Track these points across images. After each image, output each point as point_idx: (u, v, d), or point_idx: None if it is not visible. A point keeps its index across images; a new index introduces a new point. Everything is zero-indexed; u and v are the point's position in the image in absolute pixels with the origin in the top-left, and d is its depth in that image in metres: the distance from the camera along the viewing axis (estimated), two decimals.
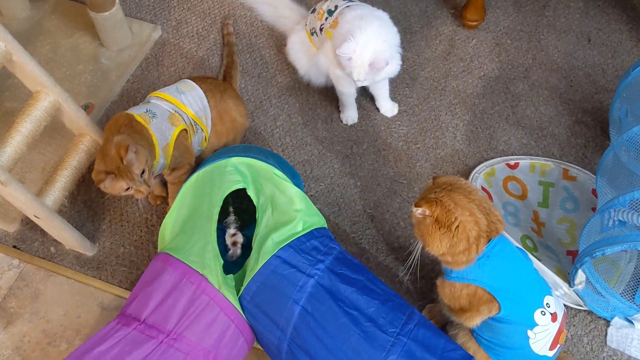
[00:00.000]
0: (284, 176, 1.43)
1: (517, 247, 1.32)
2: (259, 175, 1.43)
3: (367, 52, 1.56)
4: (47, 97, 1.50)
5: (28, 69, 1.46)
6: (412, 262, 1.34)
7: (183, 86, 1.62)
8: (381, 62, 1.55)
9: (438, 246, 1.23)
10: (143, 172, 1.43)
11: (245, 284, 1.33)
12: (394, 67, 1.67)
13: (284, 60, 1.96)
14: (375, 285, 1.33)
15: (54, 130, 1.78)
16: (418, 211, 1.24)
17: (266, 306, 1.31)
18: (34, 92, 1.52)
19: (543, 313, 1.25)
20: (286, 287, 1.29)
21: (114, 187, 1.42)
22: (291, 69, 1.92)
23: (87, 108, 1.87)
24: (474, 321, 1.29)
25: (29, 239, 1.69)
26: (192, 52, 2.03)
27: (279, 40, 2.01)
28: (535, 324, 1.24)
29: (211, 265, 1.33)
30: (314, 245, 1.36)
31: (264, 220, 1.39)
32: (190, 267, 1.32)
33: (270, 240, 1.35)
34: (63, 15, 2.10)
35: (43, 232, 1.64)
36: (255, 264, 1.33)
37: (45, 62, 1.97)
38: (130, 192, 1.45)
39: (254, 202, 1.43)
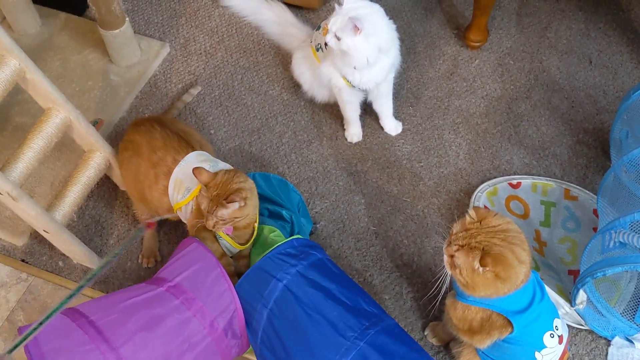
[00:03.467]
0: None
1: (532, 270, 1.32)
2: None
3: (349, 11, 1.56)
4: (59, 114, 1.53)
5: (41, 87, 1.50)
6: (436, 294, 1.32)
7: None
8: (359, 22, 1.52)
9: (485, 293, 1.20)
10: (224, 220, 1.41)
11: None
12: (393, 53, 1.68)
13: (289, 78, 1.99)
14: (344, 292, 1.36)
15: (63, 146, 1.81)
16: (478, 267, 1.16)
17: (245, 303, 1.38)
18: (46, 109, 1.55)
19: (552, 336, 1.26)
20: (259, 289, 1.36)
21: (202, 197, 1.41)
22: (297, 87, 1.95)
23: (96, 124, 1.90)
24: (484, 343, 1.29)
25: (38, 253, 1.71)
26: (200, 70, 2.06)
27: (285, 59, 2.04)
28: (544, 346, 1.26)
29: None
30: (289, 252, 1.41)
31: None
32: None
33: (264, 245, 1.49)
34: (73, 32, 2.14)
35: (51, 246, 1.66)
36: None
37: (55, 78, 2.00)
38: (204, 211, 1.42)
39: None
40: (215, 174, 1.41)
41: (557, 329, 1.28)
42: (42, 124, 1.52)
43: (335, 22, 1.56)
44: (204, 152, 1.57)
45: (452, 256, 1.21)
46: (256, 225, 1.51)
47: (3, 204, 1.48)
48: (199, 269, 1.39)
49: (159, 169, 1.53)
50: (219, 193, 1.38)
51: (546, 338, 1.26)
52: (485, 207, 1.68)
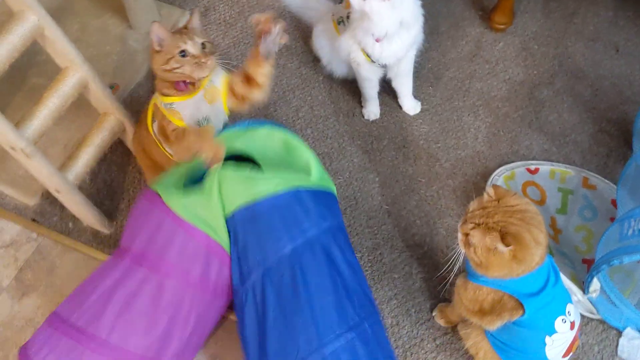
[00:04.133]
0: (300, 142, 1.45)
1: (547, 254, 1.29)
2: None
3: None
4: (76, 74, 1.52)
5: (59, 45, 1.48)
6: (447, 274, 1.29)
7: None
8: None
9: (499, 273, 1.18)
10: (204, 46, 1.34)
11: (257, 197, 1.29)
12: (415, 30, 1.64)
13: (309, 52, 1.97)
14: (358, 268, 1.35)
15: (79, 108, 1.78)
16: (500, 247, 1.12)
17: (264, 228, 1.29)
18: (63, 68, 1.54)
19: (564, 321, 1.24)
20: (291, 223, 1.29)
21: (171, 42, 1.34)
22: (316, 61, 1.92)
23: (112, 88, 1.88)
24: (494, 325, 1.26)
25: (48, 213, 1.71)
26: (219, 40, 2.04)
27: (305, 32, 2.01)
28: (555, 331, 1.23)
29: (166, 179, 1.36)
30: (326, 203, 1.36)
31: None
32: (157, 193, 1.33)
33: (295, 173, 1.34)
34: None
35: (62, 207, 1.66)
36: (272, 184, 1.30)
37: (73, 42, 1.96)
38: (188, 59, 1.33)
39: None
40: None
41: (569, 315, 1.25)
42: (59, 83, 1.51)
43: None
44: None
45: (466, 234, 1.18)
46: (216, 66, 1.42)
47: (16, 161, 1.48)
48: (153, 226, 1.32)
49: (144, 124, 1.51)
50: (180, 30, 1.34)
51: (558, 323, 1.23)
52: None
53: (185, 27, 1.40)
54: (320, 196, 1.35)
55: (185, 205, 1.30)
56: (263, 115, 1.88)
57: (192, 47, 1.33)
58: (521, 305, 1.21)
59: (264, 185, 1.30)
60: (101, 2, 2.10)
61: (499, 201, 1.17)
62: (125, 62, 1.97)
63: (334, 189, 1.44)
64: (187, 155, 1.38)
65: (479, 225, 1.16)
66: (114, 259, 1.37)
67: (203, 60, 1.35)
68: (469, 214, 1.19)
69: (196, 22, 1.38)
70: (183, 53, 1.33)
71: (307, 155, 1.42)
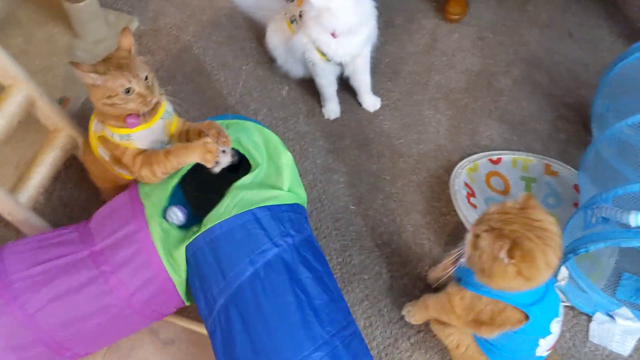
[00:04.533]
0: (280, 142, 1.41)
1: None
2: (259, 135, 1.41)
3: None
4: (21, 92, 1.45)
5: (0, 63, 1.41)
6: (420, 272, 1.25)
7: None
8: None
9: (502, 286, 1.10)
10: (147, 78, 1.25)
11: (208, 224, 1.27)
12: (371, 25, 1.63)
13: (264, 52, 1.93)
14: (329, 280, 1.31)
15: (28, 125, 1.71)
16: (503, 257, 1.05)
17: (222, 254, 1.26)
18: (7, 87, 1.46)
19: (558, 322, 1.21)
20: (248, 245, 1.25)
21: (114, 82, 1.22)
22: (272, 62, 1.89)
23: (62, 102, 1.82)
24: (492, 335, 1.20)
25: (4, 238, 1.64)
26: (170, 45, 1.98)
27: (259, 32, 1.97)
28: (550, 333, 1.21)
29: (154, 194, 1.33)
30: (290, 218, 1.32)
31: (251, 175, 1.34)
32: (138, 194, 1.33)
33: (251, 194, 1.30)
34: (36, 5, 2.04)
35: (18, 230, 1.59)
36: (228, 210, 1.27)
37: (18, 54, 1.89)
38: (131, 96, 1.23)
39: (247, 153, 1.38)
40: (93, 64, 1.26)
41: (560, 315, 1.24)
42: (3, 103, 1.44)
43: None
44: None
45: (477, 236, 1.11)
46: (161, 98, 1.33)
47: None
48: (125, 235, 1.30)
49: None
50: (117, 62, 1.22)
51: (553, 324, 1.20)
52: (465, 184, 1.65)
53: (119, 50, 1.28)
54: (285, 211, 1.32)
55: (161, 231, 1.29)
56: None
57: (137, 85, 1.23)
58: (525, 315, 1.17)
59: (219, 210, 1.28)
60: (45, 10, 2.02)
61: (522, 210, 1.10)
62: (73, 74, 1.88)
63: (302, 200, 1.41)
64: (166, 174, 1.33)
65: (493, 229, 1.09)
66: (77, 234, 1.35)
67: (149, 99, 1.26)
68: (487, 215, 1.12)
69: (129, 42, 1.27)
70: (127, 90, 1.24)
71: (284, 160, 1.38)
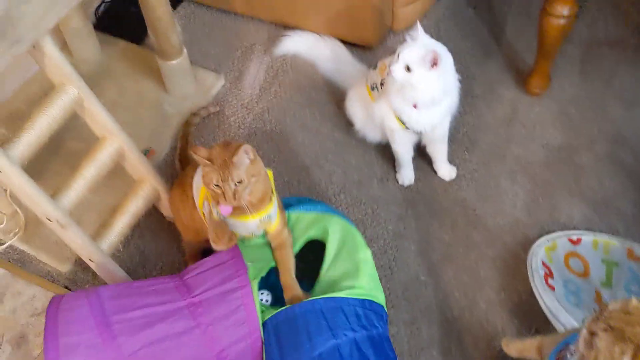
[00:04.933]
0: (361, 237, 1.48)
1: None
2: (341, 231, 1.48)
3: (428, 45, 1.51)
4: (113, 144, 1.53)
5: (97, 116, 1.50)
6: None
7: None
8: (439, 56, 1.48)
9: None
10: (241, 182, 1.31)
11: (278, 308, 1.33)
12: (453, 97, 1.64)
13: (342, 116, 1.96)
14: None
15: (113, 173, 1.80)
16: None
17: (300, 331, 1.28)
18: (100, 137, 1.55)
19: None
20: (307, 334, 1.27)
21: (207, 174, 1.31)
22: (349, 125, 1.91)
23: (147, 153, 1.90)
24: None
25: (81, 280, 1.70)
26: (253, 104, 2.05)
27: (338, 97, 2.01)
28: None
29: (256, 264, 1.40)
30: (357, 312, 1.33)
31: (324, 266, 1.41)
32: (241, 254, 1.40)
33: (321, 286, 1.36)
34: (131, 60, 2.17)
35: (95, 275, 1.65)
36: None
37: (110, 105, 1.98)
38: (218, 190, 1.30)
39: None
40: (212, 146, 1.34)
41: None
42: (96, 153, 1.52)
43: (409, 53, 1.50)
44: None
45: (593, 333, 1.04)
46: (274, 197, 1.41)
47: (51, 230, 1.48)
48: (227, 290, 1.34)
49: (186, 185, 1.51)
50: (224, 158, 1.29)
51: None
52: (543, 263, 1.59)
53: (232, 162, 1.32)
54: (352, 305, 1.34)
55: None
56: (296, 180, 1.87)
57: (223, 186, 1.30)
58: None
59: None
60: (138, 66, 2.14)
61: None
62: (160, 127, 1.98)
63: (377, 299, 1.41)
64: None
65: (612, 329, 1.01)
66: (175, 284, 1.39)
67: (230, 201, 1.31)
68: (606, 313, 1.05)
69: (239, 158, 1.31)
70: (217, 185, 1.32)
71: (362, 256, 1.44)
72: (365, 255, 1.45)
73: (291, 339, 1.28)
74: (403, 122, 1.66)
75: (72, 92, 1.43)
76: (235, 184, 1.29)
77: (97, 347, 1.27)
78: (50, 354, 1.25)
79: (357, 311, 1.32)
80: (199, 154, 1.31)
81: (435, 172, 1.85)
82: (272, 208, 1.41)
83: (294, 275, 1.43)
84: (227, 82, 2.11)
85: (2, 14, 1.22)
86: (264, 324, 1.31)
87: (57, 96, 1.42)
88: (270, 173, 1.43)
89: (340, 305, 1.31)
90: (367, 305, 1.35)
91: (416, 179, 1.84)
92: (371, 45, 2.13)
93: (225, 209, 1.33)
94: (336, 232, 1.48)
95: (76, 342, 1.27)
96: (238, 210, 1.35)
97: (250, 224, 1.40)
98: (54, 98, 1.41)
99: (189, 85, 2.04)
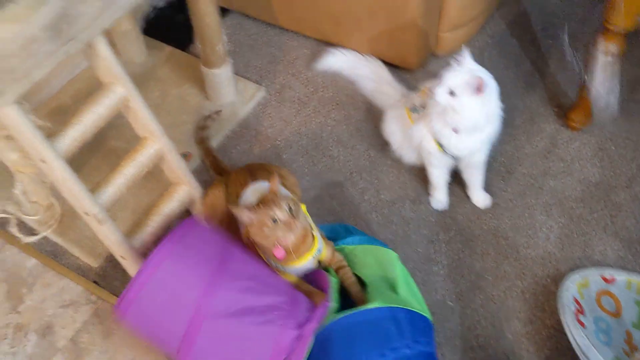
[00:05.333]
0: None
1: None
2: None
3: (473, 71, 1.52)
4: (154, 145, 1.56)
5: (141, 117, 1.53)
6: None
7: None
8: (485, 83, 1.49)
9: None
10: (290, 209, 1.37)
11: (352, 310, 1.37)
12: (495, 124, 1.64)
13: (378, 135, 1.96)
14: None
15: (149, 173, 1.83)
16: None
17: (355, 340, 1.32)
18: (142, 138, 1.58)
19: None
20: (381, 340, 1.31)
21: (263, 214, 1.36)
22: (385, 145, 1.92)
23: (185, 157, 1.92)
24: None
25: (110, 277, 1.72)
26: (291, 117, 2.07)
27: (376, 116, 2.02)
28: None
29: None
30: (422, 329, 1.37)
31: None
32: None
33: (391, 292, 1.43)
34: (175, 65, 2.21)
35: (124, 272, 1.67)
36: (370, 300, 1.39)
37: (152, 108, 2.02)
38: (279, 225, 1.36)
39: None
40: (256, 203, 1.40)
41: None
42: (137, 153, 1.55)
43: (454, 77, 1.51)
44: (266, 182, 1.55)
45: None
46: (315, 232, 1.47)
47: (86, 224, 1.50)
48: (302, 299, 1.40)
49: (228, 195, 1.57)
50: (264, 199, 1.38)
51: None
52: (574, 299, 1.56)
53: (272, 192, 1.41)
54: (416, 319, 1.37)
55: None
56: (328, 195, 1.87)
57: (280, 213, 1.36)
58: None
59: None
60: (182, 71, 2.18)
61: None
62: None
63: (430, 317, 1.45)
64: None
65: None
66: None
67: (293, 225, 1.37)
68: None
69: (275, 187, 1.42)
70: (275, 220, 1.37)
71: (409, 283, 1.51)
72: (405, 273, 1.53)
73: (363, 343, 1.32)
74: (441, 146, 1.66)
75: (119, 92, 1.46)
76: (288, 209, 1.36)
77: (201, 274, 1.31)
78: (166, 246, 1.34)
79: (420, 325, 1.38)
80: (240, 210, 1.38)
81: (469, 198, 1.84)
82: (318, 242, 1.46)
83: (359, 287, 1.49)
84: (267, 94, 2.13)
85: (59, 12, 1.26)
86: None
87: (104, 95, 1.45)
88: (303, 207, 1.47)
89: (407, 316, 1.37)
90: (421, 323, 1.40)
91: (450, 204, 1.83)
92: (412, 68, 2.14)
93: (280, 252, 1.39)
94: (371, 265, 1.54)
95: (192, 255, 1.34)
96: (297, 254, 1.42)
97: (307, 264, 1.46)
98: (101, 96, 1.45)
99: (230, 94, 2.07)
